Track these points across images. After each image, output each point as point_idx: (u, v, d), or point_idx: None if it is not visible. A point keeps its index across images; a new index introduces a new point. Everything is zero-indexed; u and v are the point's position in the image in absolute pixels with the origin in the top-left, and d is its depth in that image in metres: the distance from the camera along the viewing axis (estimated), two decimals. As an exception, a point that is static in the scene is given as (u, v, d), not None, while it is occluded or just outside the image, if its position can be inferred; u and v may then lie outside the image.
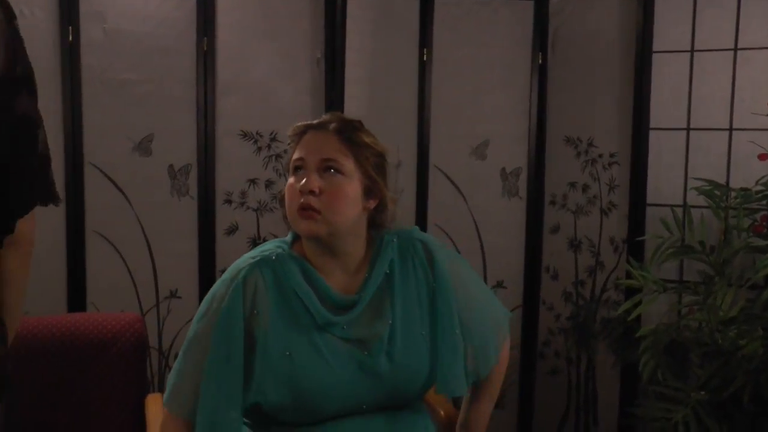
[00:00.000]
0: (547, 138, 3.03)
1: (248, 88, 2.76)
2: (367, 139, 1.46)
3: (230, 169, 2.76)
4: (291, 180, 1.43)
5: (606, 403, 2.99)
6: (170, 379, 1.46)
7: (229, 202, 2.77)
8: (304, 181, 1.40)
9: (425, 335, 1.47)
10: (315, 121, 1.47)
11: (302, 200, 1.39)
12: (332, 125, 1.44)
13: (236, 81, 2.74)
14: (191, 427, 1.40)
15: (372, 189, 1.45)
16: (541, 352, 3.12)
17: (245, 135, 2.76)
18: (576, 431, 3.07)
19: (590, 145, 2.96)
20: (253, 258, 1.44)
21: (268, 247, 1.49)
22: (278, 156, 2.79)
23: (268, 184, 2.79)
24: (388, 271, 1.48)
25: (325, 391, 1.38)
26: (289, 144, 1.49)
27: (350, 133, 1.44)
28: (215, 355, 1.38)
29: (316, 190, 1.39)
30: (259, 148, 2.78)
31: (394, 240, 1.52)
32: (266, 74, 2.77)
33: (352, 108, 2.75)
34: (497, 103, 3.00)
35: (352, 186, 1.41)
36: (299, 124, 1.48)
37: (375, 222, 1.50)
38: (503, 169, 3.03)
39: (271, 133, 2.78)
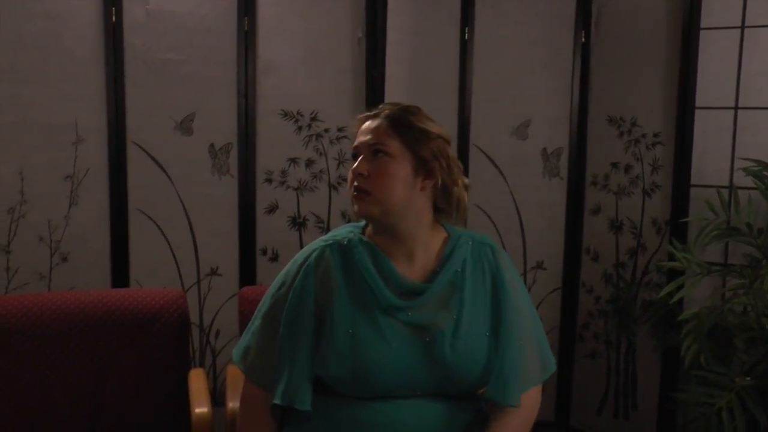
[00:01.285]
0: (589, 118, 2.99)
1: (289, 68, 2.76)
2: (418, 123, 1.49)
3: (271, 149, 2.77)
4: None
5: (646, 388, 2.96)
6: (244, 351, 1.54)
7: (269, 181, 2.78)
8: (355, 165, 1.48)
9: (487, 336, 1.48)
10: (372, 111, 1.53)
11: (355, 183, 1.47)
12: (384, 112, 1.51)
13: (277, 60, 2.75)
14: (269, 397, 1.48)
15: (423, 169, 1.48)
16: (580, 335, 3.09)
17: (286, 114, 2.77)
18: (615, 415, 3.05)
19: (633, 124, 2.90)
20: (326, 241, 1.54)
21: (341, 231, 1.57)
22: (318, 135, 2.79)
23: (309, 163, 2.80)
24: (459, 269, 1.51)
25: (382, 371, 1.43)
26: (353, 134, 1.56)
27: (400, 116, 1.49)
28: (288, 331, 1.47)
29: (364, 173, 1.47)
30: (300, 128, 2.78)
31: (470, 242, 1.55)
32: (307, 54, 2.77)
33: (393, 87, 2.74)
34: (539, 82, 2.96)
35: (400, 166, 1.46)
36: (360, 115, 1.54)
37: (439, 208, 1.54)
38: (544, 149, 3.00)
39: (312, 113, 2.78)
